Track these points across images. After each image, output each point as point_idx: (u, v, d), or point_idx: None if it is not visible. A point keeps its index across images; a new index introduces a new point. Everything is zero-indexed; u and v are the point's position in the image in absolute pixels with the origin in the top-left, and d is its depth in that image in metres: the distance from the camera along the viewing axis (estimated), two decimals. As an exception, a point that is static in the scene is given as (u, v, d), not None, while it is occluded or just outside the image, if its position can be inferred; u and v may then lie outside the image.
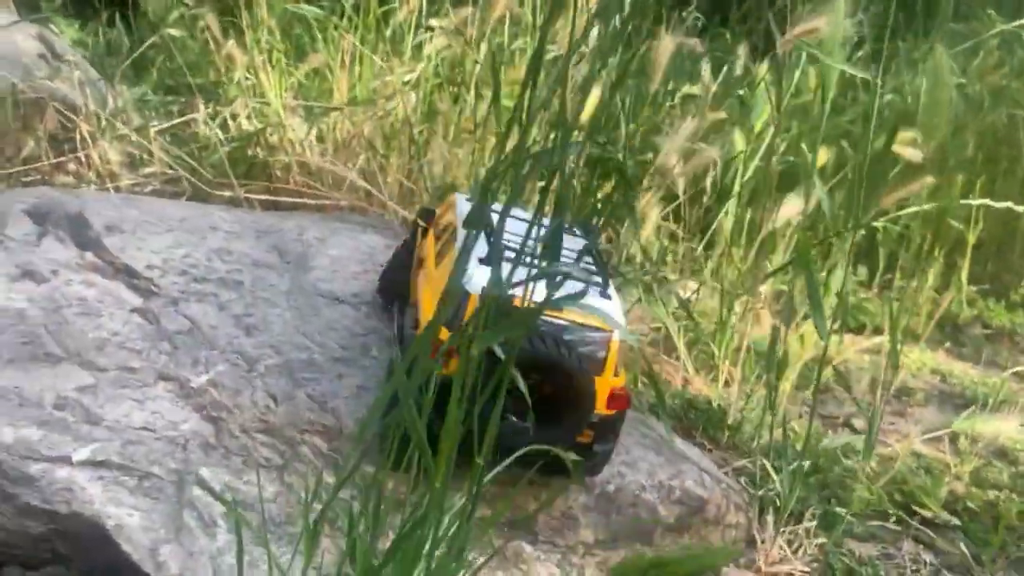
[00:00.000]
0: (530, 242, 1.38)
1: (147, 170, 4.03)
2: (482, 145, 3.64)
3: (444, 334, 1.54)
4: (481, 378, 1.35)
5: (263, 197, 3.70)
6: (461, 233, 1.78)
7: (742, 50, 4.45)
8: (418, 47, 4.00)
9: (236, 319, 2.42)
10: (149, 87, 4.55)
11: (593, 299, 1.65)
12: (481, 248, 1.66)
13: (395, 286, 2.36)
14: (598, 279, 1.78)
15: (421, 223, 2.23)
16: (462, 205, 2.02)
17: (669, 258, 3.89)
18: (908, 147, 3.51)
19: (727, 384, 2.99)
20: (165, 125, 3.98)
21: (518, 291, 1.39)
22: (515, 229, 1.57)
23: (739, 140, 3.88)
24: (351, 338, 2.35)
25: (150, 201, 3.23)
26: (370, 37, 3.91)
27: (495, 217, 1.43)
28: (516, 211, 1.82)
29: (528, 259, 1.37)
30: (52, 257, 2.60)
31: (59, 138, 4.19)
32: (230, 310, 2.46)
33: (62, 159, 4.04)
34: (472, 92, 3.50)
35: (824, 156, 3.80)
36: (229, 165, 3.78)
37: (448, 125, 3.64)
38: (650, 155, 3.55)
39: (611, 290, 1.80)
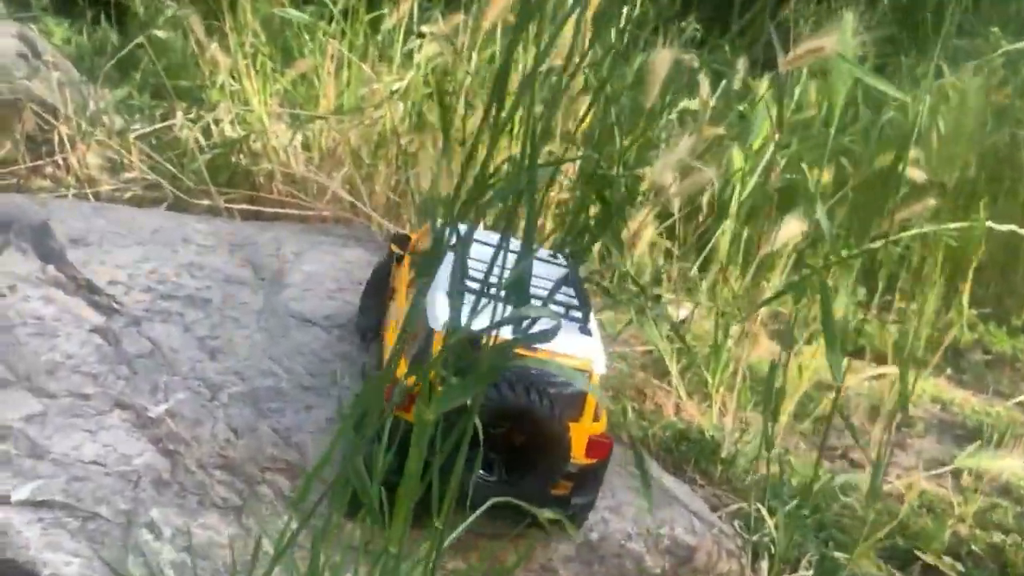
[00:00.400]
0: (499, 270, 1.19)
1: (127, 176, 3.86)
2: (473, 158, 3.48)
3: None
4: (441, 427, 1.19)
5: (244, 207, 3.52)
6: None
7: (741, 64, 4.29)
8: (408, 55, 3.84)
9: (201, 341, 2.25)
10: (133, 89, 4.37)
11: (571, 335, 1.53)
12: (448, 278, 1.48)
13: (371, 319, 2.19)
14: (577, 313, 1.61)
15: (396, 250, 2.05)
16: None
17: (663, 277, 3.72)
18: (913, 167, 3.37)
19: (721, 412, 2.82)
20: (146, 130, 3.81)
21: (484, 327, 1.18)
22: (486, 256, 1.35)
23: (737, 157, 3.72)
24: (320, 364, 2.18)
25: (123, 210, 3.06)
26: (359, 43, 3.74)
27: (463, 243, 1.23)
28: (489, 236, 1.67)
29: (495, 291, 1.20)
30: (11, 270, 2.43)
31: (37, 140, 4.02)
32: (195, 331, 2.29)
33: (39, 163, 3.87)
34: (462, 103, 3.33)
35: (825, 175, 3.65)
36: (211, 172, 3.61)
37: (437, 136, 3.47)
38: (645, 170, 3.41)
39: (592, 325, 1.63)
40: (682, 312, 3.56)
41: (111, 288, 2.41)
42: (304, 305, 2.45)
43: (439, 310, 1.48)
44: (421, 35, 3.83)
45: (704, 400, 2.96)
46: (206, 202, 3.49)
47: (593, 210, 3.51)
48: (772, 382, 2.16)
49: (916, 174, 3.28)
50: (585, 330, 1.59)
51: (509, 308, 1.15)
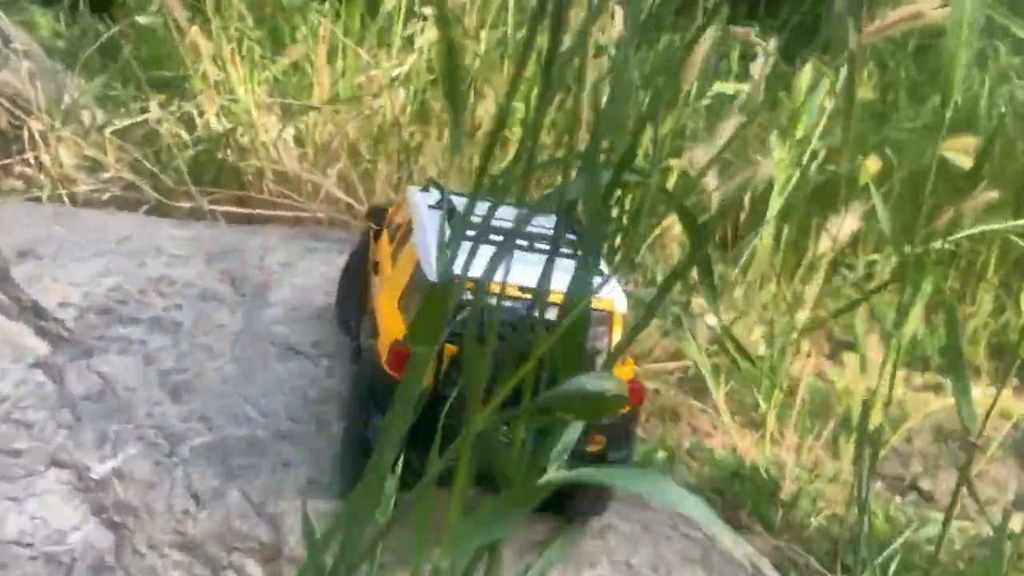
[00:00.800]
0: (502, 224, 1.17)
1: (106, 175, 3.45)
2: (483, 148, 3.08)
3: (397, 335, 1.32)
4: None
5: (230, 209, 3.11)
6: (419, 223, 1.51)
7: (772, 45, 3.86)
8: (409, 39, 3.42)
9: (163, 377, 1.84)
10: (113, 79, 3.96)
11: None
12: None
13: (351, 300, 1.98)
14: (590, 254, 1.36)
15: (373, 225, 1.90)
16: (416, 198, 1.68)
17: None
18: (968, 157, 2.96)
19: (774, 440, 2.41)
20: (122, 124, 3.39)
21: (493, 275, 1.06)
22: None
23: (778, 148, 3.29)
24: (304, 406, 1.77)
25: (89, 216, 2.66)
26: (355, 27, 3.32)
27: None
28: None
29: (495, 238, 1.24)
30: (-55, 290, 2.04)
31: (7, 136, 3.61)
32: (159, 363, 1.89)
33: (8, 161, 3.47)
34: (472, 89, 2.91)
35: (873, 167, 3.23)
36: (195, 170, 3.20)
37: (443, 126, 3.06)
38: (676, 162, 3.01)
39: (603, 265, 1.42)
40: (711, 320, 3.16)
41: (61, 311, 2.00)
42: (289, 329, 2.04)
43: (436, 263, 1.23)
44: (424, 17, 3.41)
45: (752, 425, 2.55)
46: (188, 204, 3.08)
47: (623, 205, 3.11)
48: (865, 425, 1.74)
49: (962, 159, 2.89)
50: (596, 270, 1.34)
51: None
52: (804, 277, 2.95)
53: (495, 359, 1.11)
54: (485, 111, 2.84)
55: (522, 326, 1.27)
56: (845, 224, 2.76)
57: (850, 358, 2.85)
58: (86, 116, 3.64)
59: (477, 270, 1.07)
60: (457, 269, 1.11)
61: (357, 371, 1.44)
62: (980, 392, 3.20)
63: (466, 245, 1.08)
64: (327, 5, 3.32)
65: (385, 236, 1.80)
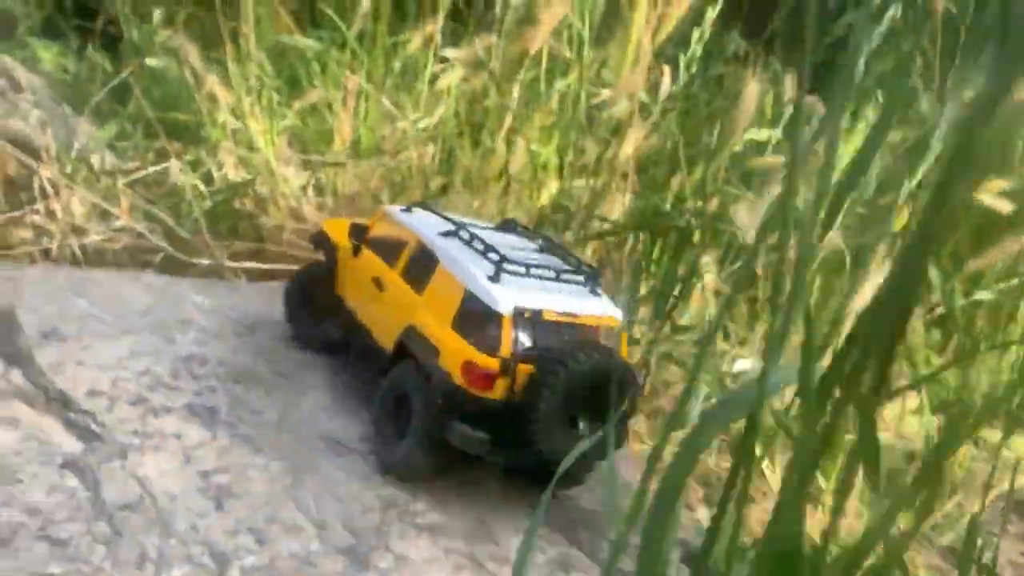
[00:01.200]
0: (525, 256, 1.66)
1: (118, 224, 3.31)
2: (511, 193, 2.95)
3: (472, 354, 1.53)
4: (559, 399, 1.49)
5: (249, 265, 2.96)
6: (443, 250, 1.72)
7: (789, 83, 3.75)
8: (433, 81, 3.29)
9: (204, 479, 1.69)
10: (124, 123, 3.80)
11: (595, 300, 1.68)
12: (481, 265, 1.63)
13: (309, 326, 2.18)
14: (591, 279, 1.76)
15: (354, 241, 2.02)
16: (407, 219, 1.89)
17: (730, 329, 3.18)
18: (1000, 198, 2.88)
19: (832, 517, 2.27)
20: (137, 175, 3.24)
21: (543, 305, 1.54)
22: (494, 241, 1.72)
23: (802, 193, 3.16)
24: (362, 515, 1.62)
25: (106, 281, 2.51)
26: (378, 72, 3.18)
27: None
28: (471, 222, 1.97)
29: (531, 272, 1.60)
30: (-34, 378, 1.88)
31: (16, 184, 3.46)
32: (198, 462, 1.74)
33: (19, 212, 3.31)
34: (501, 137, 2.76)
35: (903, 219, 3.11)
36: (211, 220, 3.06)
37: (470, 173, 2.91)
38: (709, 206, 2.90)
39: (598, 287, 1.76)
40: (740, 363, 3.04)
41: (91, 401, 1.85)
42: (333, 419, 1.89)
43: (498, 296, 1.56)
44: (444, 60, 3.27)
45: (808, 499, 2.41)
46: (206, 261, 2.93)
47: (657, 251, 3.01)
48: (973, 542, 1.59)
49: (1003, 205, 2.79)
50: (595, 292, 1.70)
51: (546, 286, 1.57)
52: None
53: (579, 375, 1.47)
54: (519, 163, 2.71)
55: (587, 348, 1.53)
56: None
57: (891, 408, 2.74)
58: (96, 161, 3.51)
59: (522, 299, 1.52)
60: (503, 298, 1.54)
61: (428, 389, 1.58)
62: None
63: (506, 278, 1.55)
64: (347, 51, 3.18)
65: (368, 252, 1.93)
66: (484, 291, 1.56)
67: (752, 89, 2.36)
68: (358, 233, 1.99)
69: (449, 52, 3.20)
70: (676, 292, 2.87)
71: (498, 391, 1.49)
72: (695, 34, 2.60)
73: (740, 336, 3.18)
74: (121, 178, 3.35)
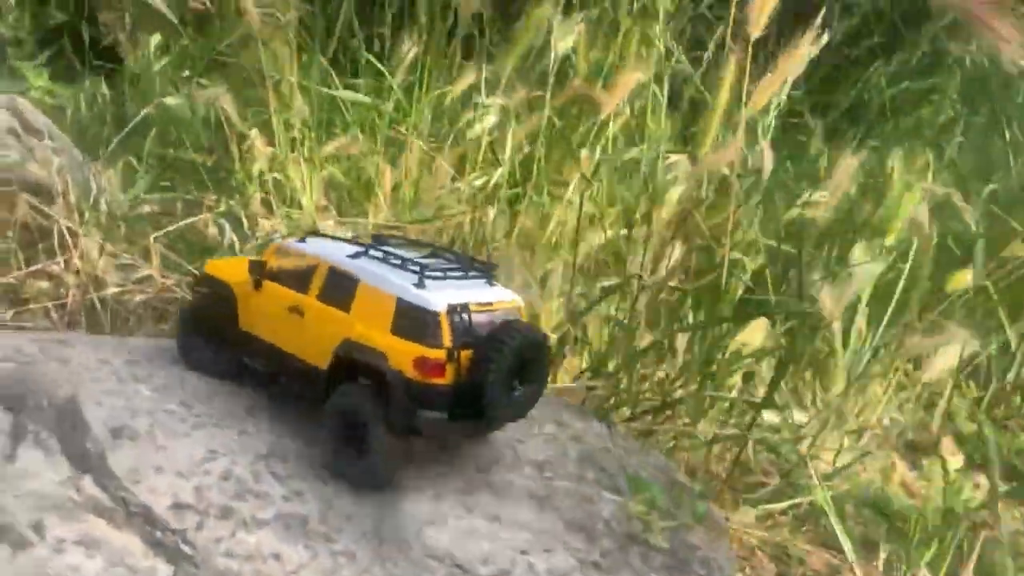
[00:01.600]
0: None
1: (139, 274, 3.13)
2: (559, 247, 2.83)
3: (421, 350, 1.76)
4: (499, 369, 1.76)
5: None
6: (360, 270, 1.90)
7: (819, 130, 3.69)
8: (469, 125, 3.14)
9: (317, 613, 1.53)
10: (143, 167, 3.60)
11: (497, 289, 1.92)
12: (405, 276, 1.85)
13: (207, 352, 2.19)
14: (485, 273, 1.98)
15: (255, 276, 2.09)
16: (309, 248, 2.03)
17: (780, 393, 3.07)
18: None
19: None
20: (170, 228, 3.05)
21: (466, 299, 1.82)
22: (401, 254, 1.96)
23: (862, 251, 3.07)
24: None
25: (157, 352, 2.31)
26: (423, 123, 3.02)
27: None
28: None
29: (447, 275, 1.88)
30: (33, 488, 1.69)
31: (32, 231, 3.27)
32: (304, 590, 1.58)
33: (37, 267, 3.12)
34: (569, 199, 2.62)
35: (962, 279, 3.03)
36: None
37: (530, 235, 2.77)
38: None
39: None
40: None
41: (177, 518, 1.68)
42: (441, 534, 1.74)
43: (430, 298, 1.79)
44: (483, 106, 3.13)
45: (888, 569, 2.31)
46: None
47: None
48: None
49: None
50: (492, 283, 1.93)
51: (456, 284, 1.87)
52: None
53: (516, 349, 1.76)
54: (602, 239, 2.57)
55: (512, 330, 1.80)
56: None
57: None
58: (117, 208, 3.34)
59: (449, 297, 1.80)
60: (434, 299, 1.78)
61: (388, 389, 1.78)
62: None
63: (429, 283, 1.83)
64: (391, 101, 3.02)
65: (272, 285, 2.06)
66: (416, 297, 1.81)
67: (849, 163, 2.25)
68: (258, 269, 2.09)
69: (493, 100, 3.07)
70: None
71: (448, 376, 1.76)
72: (773, 103, 2.50)
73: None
74: (148, 227, 3.19)
